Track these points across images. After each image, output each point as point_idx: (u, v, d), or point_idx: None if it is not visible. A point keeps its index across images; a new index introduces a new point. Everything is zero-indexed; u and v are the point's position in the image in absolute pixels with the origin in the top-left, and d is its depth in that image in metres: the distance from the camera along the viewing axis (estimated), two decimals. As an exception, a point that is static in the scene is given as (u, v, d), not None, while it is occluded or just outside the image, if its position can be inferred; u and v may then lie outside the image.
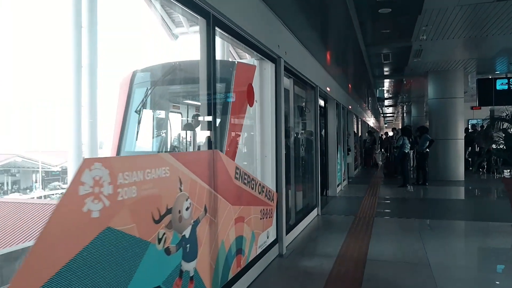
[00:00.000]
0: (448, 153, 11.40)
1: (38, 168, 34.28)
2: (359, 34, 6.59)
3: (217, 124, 4.84)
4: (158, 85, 5.67)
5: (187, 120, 6.29)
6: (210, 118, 2.94)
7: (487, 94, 11.50)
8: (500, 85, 11.41)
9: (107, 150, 6.10)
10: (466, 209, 8.08)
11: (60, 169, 34.54)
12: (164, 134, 6.07)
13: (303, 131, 7.08)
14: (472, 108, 18.42)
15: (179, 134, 6.18)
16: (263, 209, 4.06)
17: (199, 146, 4.97)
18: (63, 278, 1.51)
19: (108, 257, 1.76)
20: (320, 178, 7.38)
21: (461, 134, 11.53)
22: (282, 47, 4.63)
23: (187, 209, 2.47)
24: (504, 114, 6.62)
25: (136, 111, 5.55)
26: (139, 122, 5.54)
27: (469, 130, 15.91)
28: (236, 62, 5.43)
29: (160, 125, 6.02)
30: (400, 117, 32.18)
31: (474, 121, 18.55)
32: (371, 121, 25.08)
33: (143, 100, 5.54)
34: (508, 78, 11.40)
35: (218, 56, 7.19)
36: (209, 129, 2.95)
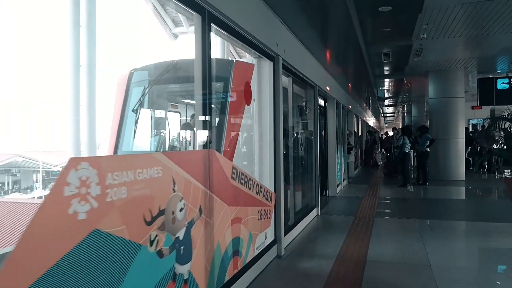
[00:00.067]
0: (448, 153, 11.34)
1: (39, 168, 34.25)
2: (359, 32, 6.52)
3: (216, 124, 4.81)
4: (155, 84, 5.61)
5: (186, 119, 6.23)
6: (205, 118, 2.88)
7: (488, 93, 11.43)
8: (501, 84, 11.33)
9: (104, 150, 6.04)
10: (467, 209, 8.01)
11: (60, 169, 34.43)
12: (162, 134, 6.01)
13: (302, 131, 7.01)
14: (472, 108, 18.35)
15: (178, 134, 6.12)
16: (261, 210, 4.00)
17: (199, 146, 4.90)
18: (46, 284, 1.44)
19: (96, 260, 1.69)
20: (319, 178, 7.32)
21: (462, 134, 11.47)
22: (281, 45, 4.57)
23: (181, 210, 2.41)
24: (506, 113, 6.55)
25: (133, 110, 5.49)
26: (136, 122, 5.48)
27: (469, 130, 15.83)
28: (234, 61, 5.37)
29: (158, 125, 5.96)
30: (400, 117, 32.12)
31: (475, 121, 18.48)
32: (371, 120, 25.01)
33: (140, 99, 5.48)
34: (509, 78, 11.32)
35: (218, 56, 7.15)
36: (204, 128, 2.88)
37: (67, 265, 1.54)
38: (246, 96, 4.24)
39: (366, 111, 20.80)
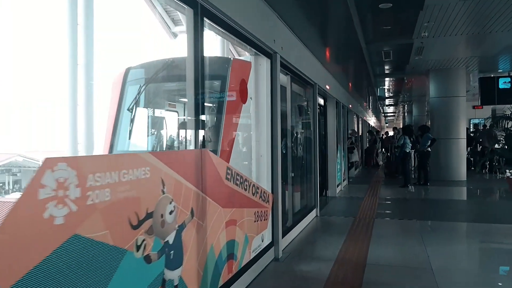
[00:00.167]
0: (450, 152, 11.22)
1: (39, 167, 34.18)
2: (359, 30, 6.41)
3: (213, 123, 4.70)
4: (152, 82, 5.51)
5: (184, 119, 6.12)
6: (198, 117, 2.76)
7: (489, 92, 11.32)
8: (503, 83, 11.21)
9: (99, 149, 5.94)
10: (469, 210, 7.90)
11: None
12: (159, 133, 5.91)
13: (302, 130, 6.90)
14: (474, 107, 18.24)
15: (177, 133, 6.02)
16: (258, 211, 3.88)
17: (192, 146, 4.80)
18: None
19: (76, 268, 1.58)
20: (319, 178, 7.20)
21: (463, 134, 11.35)
22: (278, 42, 4.45)
23: (170, 212, 2.30)
24: (509, 113, 6.44)
25: (128, 109, 5.39)
26: (132, 121, 5.38)
27: (470, 130, 15.71)
28: (231, 59, 5.26)
29: (155, 124, 5.86)
30: (401, 116, 32.00)
31: (476, 121, 18.36)
32: (372, 120, 24.89)
33: (136, 97, 5.37)
34: (511, 77, 11.21)
35: (218, 54, 7.01)
36: (197, 128, 2.77)
37: (42, 274, 1.43)
38: (242, 94, 4.13)
39: (367, 111, 20.68)
